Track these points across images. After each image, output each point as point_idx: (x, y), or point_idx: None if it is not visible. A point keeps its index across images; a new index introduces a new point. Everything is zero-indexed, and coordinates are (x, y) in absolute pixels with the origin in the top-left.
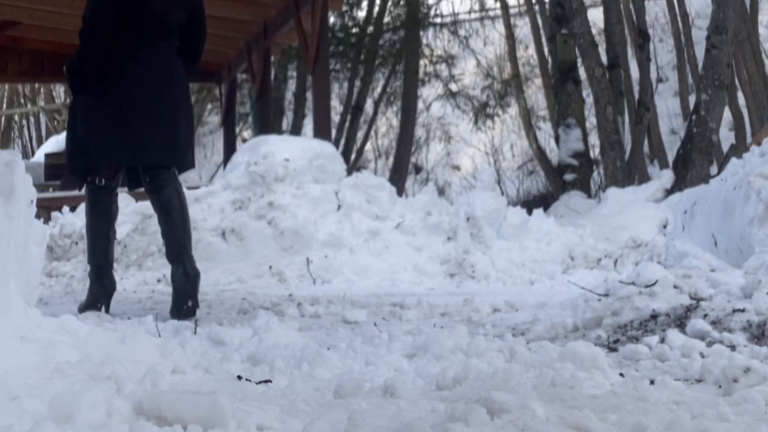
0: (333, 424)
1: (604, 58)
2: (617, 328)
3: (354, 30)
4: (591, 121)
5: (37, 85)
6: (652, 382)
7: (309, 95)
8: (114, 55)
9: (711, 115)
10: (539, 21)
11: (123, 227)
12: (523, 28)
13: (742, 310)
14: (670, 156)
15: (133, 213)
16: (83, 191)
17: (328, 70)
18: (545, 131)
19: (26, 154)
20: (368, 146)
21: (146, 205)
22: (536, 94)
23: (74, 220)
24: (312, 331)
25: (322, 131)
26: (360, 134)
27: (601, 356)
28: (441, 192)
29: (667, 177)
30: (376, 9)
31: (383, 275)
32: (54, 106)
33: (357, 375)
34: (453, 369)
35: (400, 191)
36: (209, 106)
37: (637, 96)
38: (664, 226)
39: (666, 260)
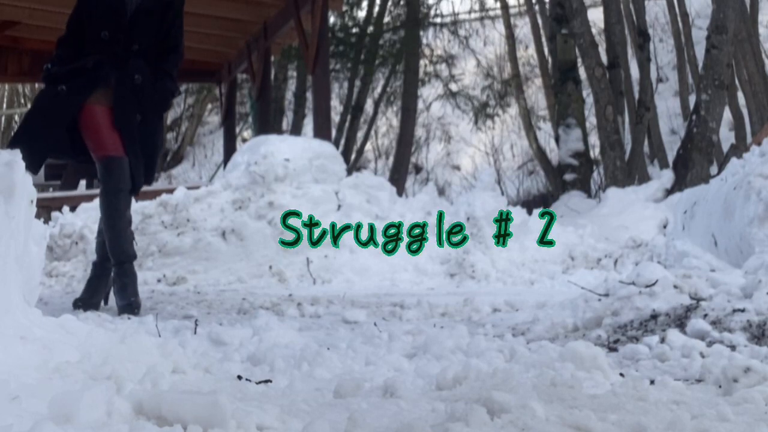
0: (333, 424)
1: (604, 58)
2: (617, 328)
3: (354, 30)
4: (591, 121)
5: (37, 85)
6: (652, 382)
7: (309, 95)
8: None
9: (711, 115)
10: (539, 21)
11: None
12: (523, 28)
13: (742, 310)
14: (670, 156)
15: (133, 213)
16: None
17: (328, 70)
18: (545, 131)
19: None
20: (368, 146)
21: (146, 205)
22: (536, 94)
23: (74, 220)
24: (312, 331)
25: (322, 131)
26: (360, 134)
27: (601, 356)
28: (441, 192)
29: (667, 177)
30: (376, 9)
31: (383, 275)
32: None
33: (357, 375)
34: (453, 369)
35: (400, 191)
36: (209, 106)
37: (637, 96)
38: (664, 226)
39: (666, 260)
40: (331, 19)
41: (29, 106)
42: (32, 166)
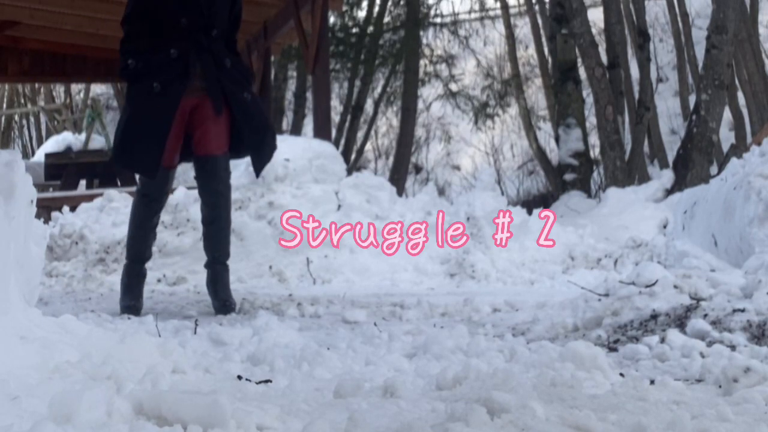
0: (333, 424)
1: (604, 58)
2: (617, 328)
3: (354, 30)
4: (591, 121)
5: (37, 85)
6: (652, 382)
7: (309, 95)
8: None
9: (711, 115)
10: (539, 21)
11: (123, 227)
12: (523, 28)
13: (742, 310)
14: (670, 156)
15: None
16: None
17: (328, 70)
18: (545, 131)
19: (26, 154)
20: (368, 146)
21: None
22: (536, 94)
23: (74, 220)
24: (312, 331)
25: (322, 131)
26: (360, 134)
27: (601, 356)
28: (441, 192)
29: (667, 177)
30: (376, 9)
31: (383, 275)
32: (54, 106)
33: (357, 375)
34: (453, 369)
35: (400, 191)
36: None
37: (637, 96)
38: (664, 226)
39: (666, 260)
40: (331, 19)
41: (126, 109)
42: (151, 172)
